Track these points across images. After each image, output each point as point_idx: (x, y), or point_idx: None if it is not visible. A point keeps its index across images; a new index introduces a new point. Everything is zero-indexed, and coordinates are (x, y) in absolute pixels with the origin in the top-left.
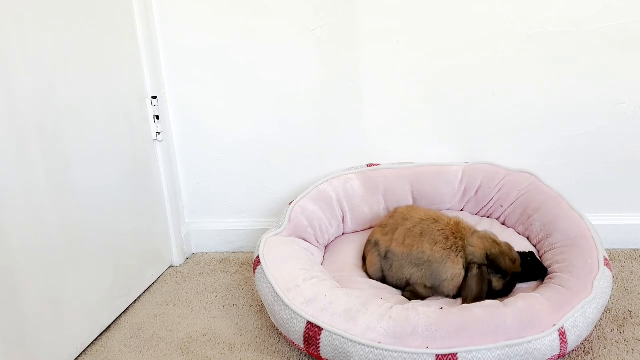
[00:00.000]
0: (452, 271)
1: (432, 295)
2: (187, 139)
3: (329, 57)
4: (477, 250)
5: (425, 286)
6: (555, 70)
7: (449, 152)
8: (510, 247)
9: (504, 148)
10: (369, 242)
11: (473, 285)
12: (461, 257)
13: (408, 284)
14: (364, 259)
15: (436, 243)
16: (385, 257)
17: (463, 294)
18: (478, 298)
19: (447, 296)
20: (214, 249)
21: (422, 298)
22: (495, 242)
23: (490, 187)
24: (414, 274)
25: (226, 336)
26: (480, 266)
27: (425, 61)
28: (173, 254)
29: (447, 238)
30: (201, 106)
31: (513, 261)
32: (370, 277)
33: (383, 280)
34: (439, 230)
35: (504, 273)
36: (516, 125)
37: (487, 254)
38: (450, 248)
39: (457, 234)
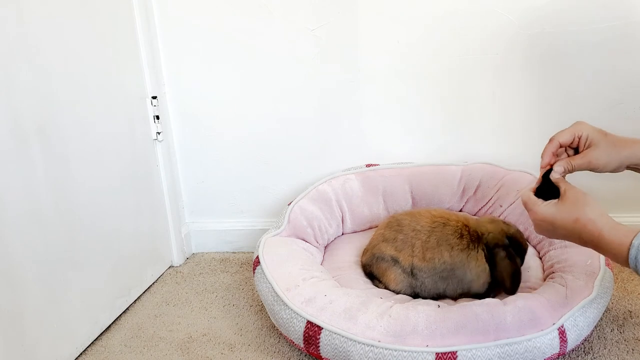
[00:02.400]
0: (477, 269)
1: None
2: (187, 139)
3: (328, 57)
4: (496, 235)
5: (459, 293)
6: (555, 70)
7: (448, 151)
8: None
9: (503, 148)
10: (381, 259)
11: (507, 267)
12: (481, 249)
13: (445, 296)
14: (370, 275)
15: (452, 247)
16: (412, 273)
17: (500, 281)
18: (516, 278)
19: (477, 294)
20: (214, 249)
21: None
22: (505, 223)
23: (489, 186)
24: (447, 288)
25: (226, 336)
26: (504, 247)
27: (425, 61)
28: (173, 254)
29: (462, 236)
30: (201, 106)
31: (523, 237)
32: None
33: (415, 296)
34: (452, 234)
35: (522, 251)
36: (516, 125)
37: (506, 234)
38: (468, 247)
39: (469, 228)
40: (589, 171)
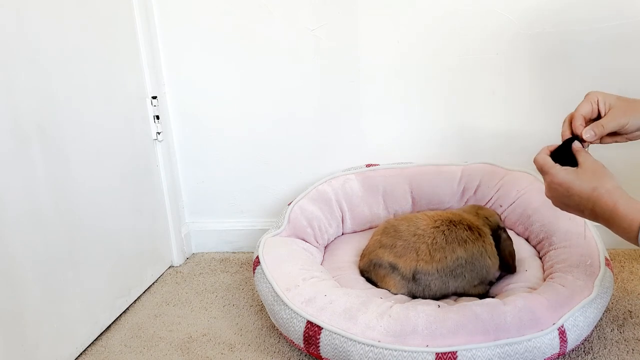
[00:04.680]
0: (493, 253)
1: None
2: (187, 139)
3: (328, 57)
4: (496, 217)
5: (475, 285)
6: (556, 70)
7: (448, 151)
8: None
9: (503, 148)
10: (379, 266)
11: (511, 247)
12: (490, 234)
13: (456, 293)
14: (368, 280)
15: (465, 242)
16: (414, 279)
17: (504, 260)
18: (514, 255)
19: (491, 282)
20: (214, 249)
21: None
22: (484, 207)
23: (489, 186)
24: (459, 284)
25: (226, 336)
26: (504, 229)
27: (425, 61)
28: (173, 254)
29: (470, 229)
30: (201, 106)
31: None
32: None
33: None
34: (460, 229)
35: None
36: (516, 124)
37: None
38: (480, 236)
39: (469, 219)
40: (613, 143)
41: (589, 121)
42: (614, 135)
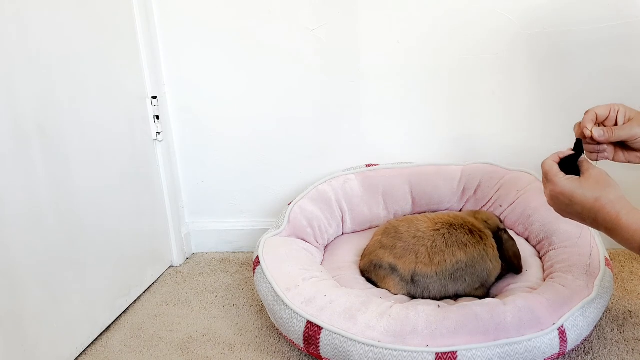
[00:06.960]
0: (495, 256)
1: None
2: (187, 139)
3: (328, 57)
4: (494, 219)
5: (476, 288)
6: (556, 70)
7: (448, 151)
8: None
9: (503, 147)
10: (379, 267)
11: (514, 247)
12: (491, 237)
13: (457, 295)
14: (368, 280)
15: (466, 245)
16: (413, 281)
17: (509, 261)
18: (519, 255)
19: (491, 285)
20: (214, 249)
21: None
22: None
23: (489, 186)
24: (459, 287)
25: (226, 336)
26: (505, 230)
27: (425, 61)
28: (173, 254)
29: (472, 232)
30: (201, 106)
31: None
32: None
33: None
34: (460, 233)
35: None
36: (516, 125)
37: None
38: (481, 239)
39: (471, 222)
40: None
41: (600, 125)
42: (628, 150)
